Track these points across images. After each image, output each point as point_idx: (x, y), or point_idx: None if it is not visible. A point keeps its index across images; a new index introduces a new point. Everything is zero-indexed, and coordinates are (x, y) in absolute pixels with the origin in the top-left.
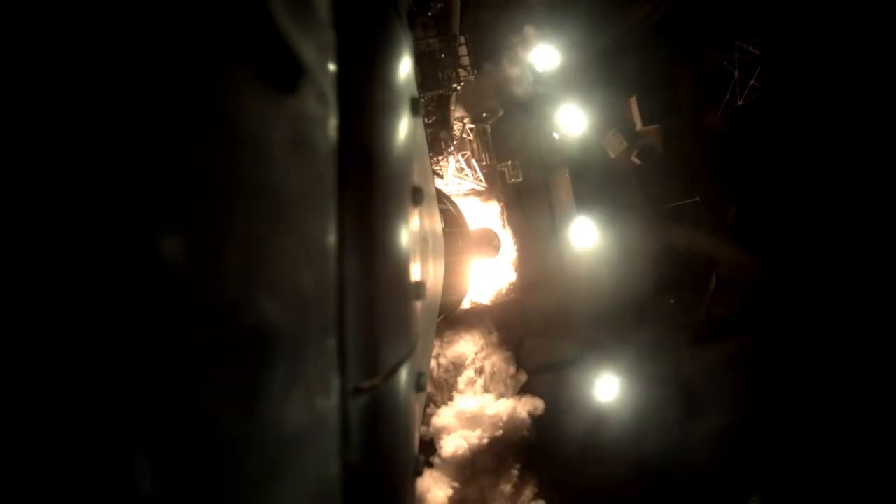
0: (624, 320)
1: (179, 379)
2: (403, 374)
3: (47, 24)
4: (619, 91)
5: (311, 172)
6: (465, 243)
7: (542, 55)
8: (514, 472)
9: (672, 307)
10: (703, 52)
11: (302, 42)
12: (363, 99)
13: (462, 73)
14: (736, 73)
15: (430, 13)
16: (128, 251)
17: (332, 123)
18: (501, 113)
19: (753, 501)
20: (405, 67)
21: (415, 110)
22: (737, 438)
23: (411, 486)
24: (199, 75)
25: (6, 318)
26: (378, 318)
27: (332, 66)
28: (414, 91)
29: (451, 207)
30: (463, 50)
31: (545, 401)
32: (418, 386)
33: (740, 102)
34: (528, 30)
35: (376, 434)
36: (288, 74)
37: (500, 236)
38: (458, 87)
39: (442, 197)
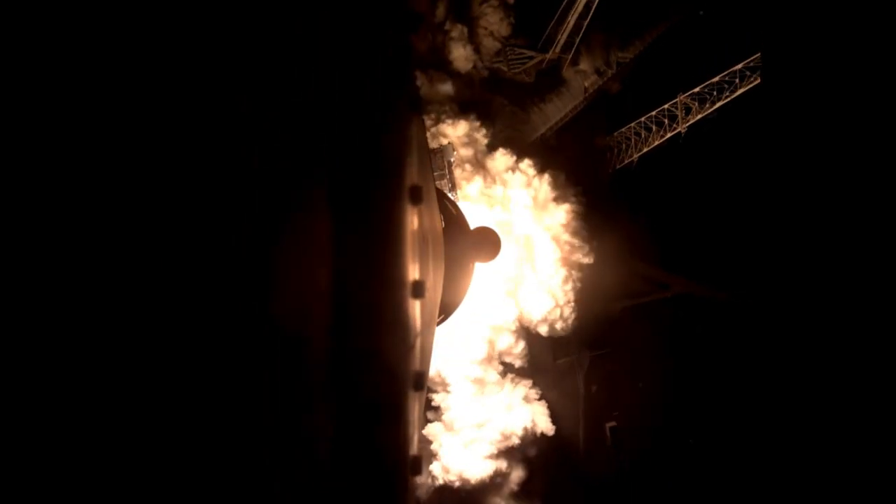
0: None
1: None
2: (402, 374)
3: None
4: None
5: (310, 174)
6: (465, 243)
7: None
8: None
9: None
10: (594, 138)
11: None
12: (360, 98)
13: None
14: (608, 154)
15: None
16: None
17: (330, 126)
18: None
19: (613, 421)
20: (404, 67)
21: (414, 108)
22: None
23: (410, 484)
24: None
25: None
26: (378, 317)
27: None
28: (414, 90)
29: (450, 207)
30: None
31: None
32: (417, 385)
33: (611, 171)
34: None
35: (375, 433)
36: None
37: (500, 236)
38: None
39: (441, 197)
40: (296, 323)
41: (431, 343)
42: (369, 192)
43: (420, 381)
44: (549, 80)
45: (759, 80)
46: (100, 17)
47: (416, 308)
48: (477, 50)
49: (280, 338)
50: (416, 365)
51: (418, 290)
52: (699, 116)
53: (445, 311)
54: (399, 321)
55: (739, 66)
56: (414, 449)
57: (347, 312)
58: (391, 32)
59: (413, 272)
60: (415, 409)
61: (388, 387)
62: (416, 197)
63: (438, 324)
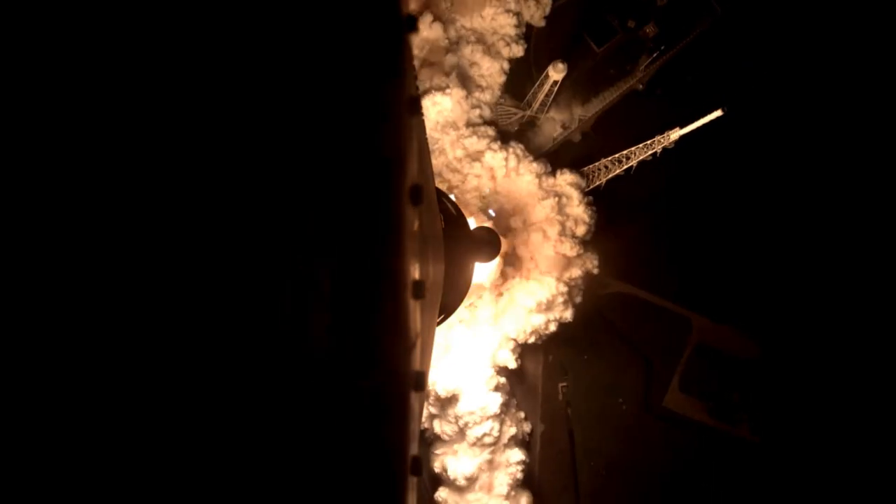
0: None
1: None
2: (402, 374)
3: None
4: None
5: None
6: (465, 243)
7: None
8: None
9: None
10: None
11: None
12: (360, 97)
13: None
14: (591, 171)
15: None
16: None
17: (330, 125)
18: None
19: (564, 382)
20: (403, 66)
21: (414, 109)
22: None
23: (409, 484)
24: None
25: None
26: (378, 317)
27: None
28: (414, 90)
29: (451, 207)
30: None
31: None
32: (417, 385)
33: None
34: None
35: (374, 433)
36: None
37: (499, 236)
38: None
39: (442, 197)
40: (295, 323)
41: (431, 343)
42: (369, 192)
43: (420, 382)
44: (529, 129)
45: (650, 153)
46: (98, 16)
47: (416, 308)
48: (477, 107)
49: (279, 338)
50: (416, 365)
51: (418, 290)
52: (610, 176)
53: (445, 311)
54: (399, 321)
55: (624, 152)
56: (414, 449)
57: (347, 312)
58: (391, 32)
59: (413, 272)
60: (415, 409)
61: (388, 387)
62: (417, 197)
63: (438, 324)
